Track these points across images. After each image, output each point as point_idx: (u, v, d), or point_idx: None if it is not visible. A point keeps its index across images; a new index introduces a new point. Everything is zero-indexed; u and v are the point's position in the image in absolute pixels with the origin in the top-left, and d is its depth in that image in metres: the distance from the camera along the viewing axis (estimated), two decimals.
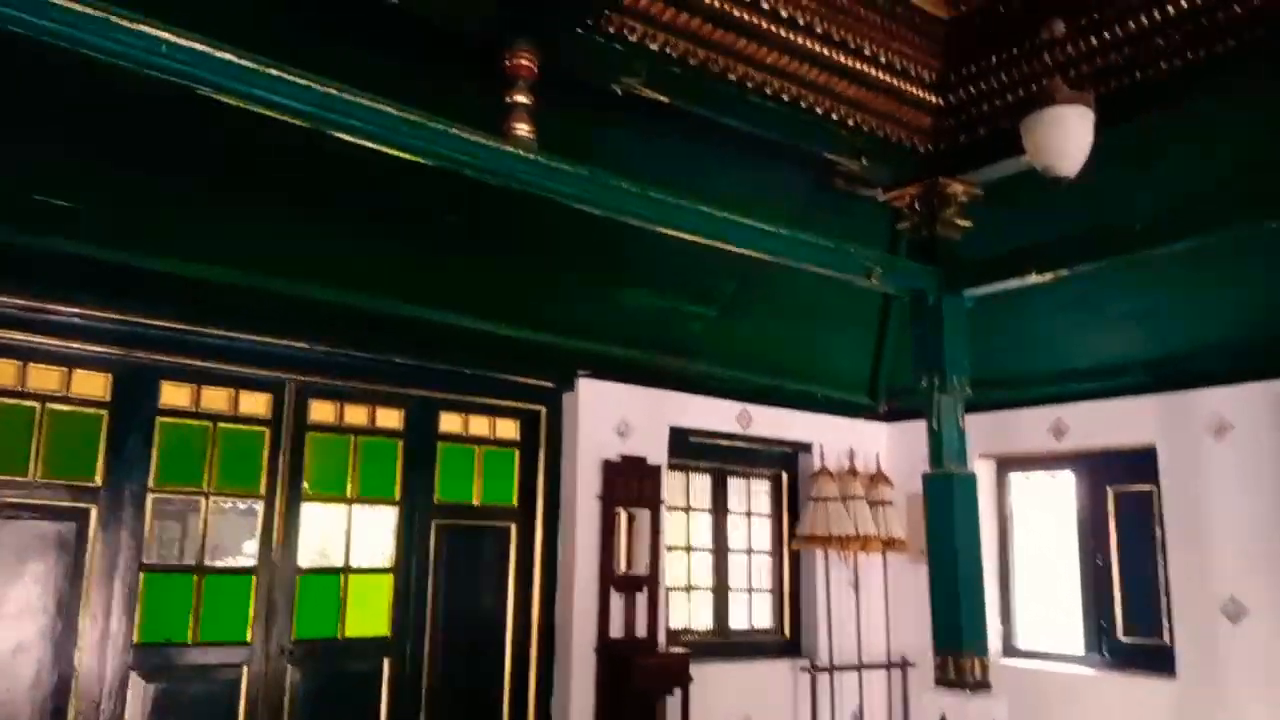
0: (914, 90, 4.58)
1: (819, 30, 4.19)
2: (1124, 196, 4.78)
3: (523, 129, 3.49)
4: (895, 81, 4.51)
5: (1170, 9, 3.87)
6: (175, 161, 3.92)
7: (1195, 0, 3.81)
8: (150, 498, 4.15)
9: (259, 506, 4.48)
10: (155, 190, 3.97)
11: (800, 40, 4.15)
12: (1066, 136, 3.42)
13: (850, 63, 4.33)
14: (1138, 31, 3.97)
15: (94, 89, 3.44)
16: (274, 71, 2.93)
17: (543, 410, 5.52)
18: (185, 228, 4.11)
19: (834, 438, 6.65)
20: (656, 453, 5.74)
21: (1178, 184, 4.80)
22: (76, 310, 3.96)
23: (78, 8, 2.60)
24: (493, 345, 5.12)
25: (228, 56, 2.84)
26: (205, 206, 4.11)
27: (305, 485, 4.62)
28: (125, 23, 2.65)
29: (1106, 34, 4.05)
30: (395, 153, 3.22)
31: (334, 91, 3.04)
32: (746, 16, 3.98)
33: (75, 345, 3.93)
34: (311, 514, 4.65)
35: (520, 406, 5.47)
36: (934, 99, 4.66)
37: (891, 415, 6.90)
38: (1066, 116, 3.40)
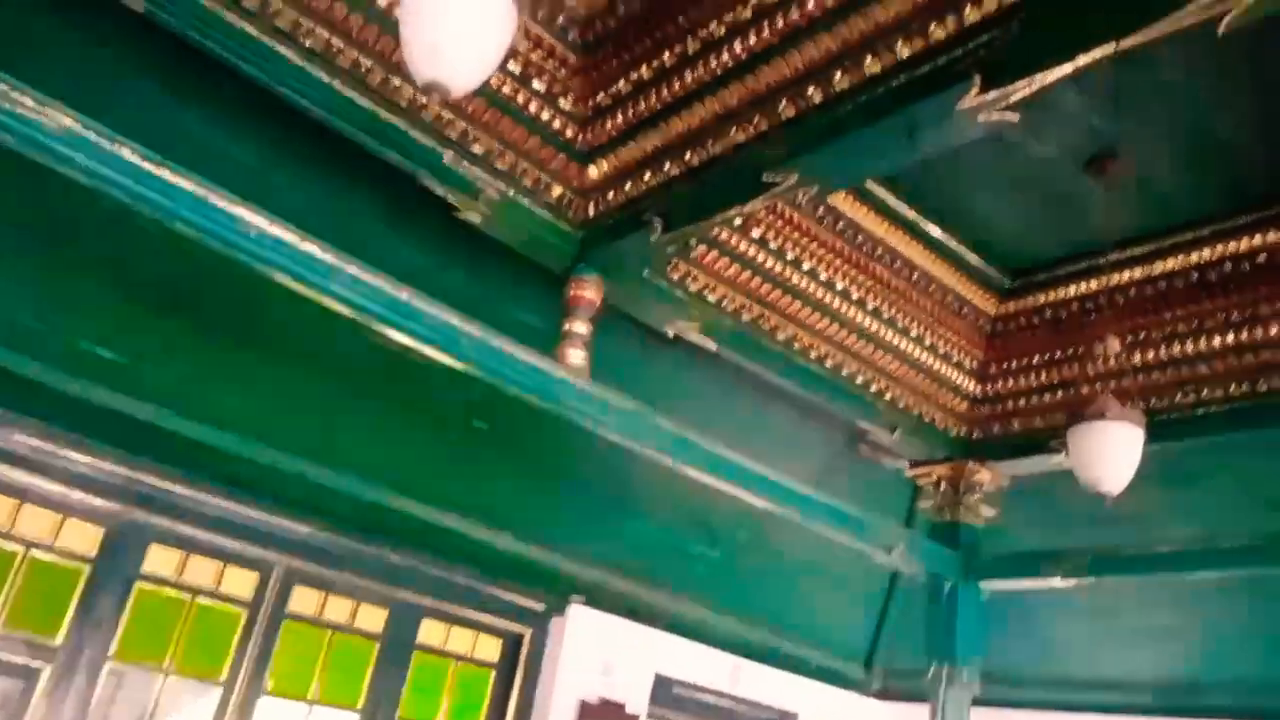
0: (953, 375, 4.64)
1: (870, 305, 4.30)
2: (1156, 514, 4.72)
3: (577, 357, 3.50)
4: (936, 364, 4.58)
5: (1218, 340, 3.98)
6: (212, 323, 3.90)
7: (1244, 337, 3.92)
8: (107, 666, 3.86)
9: (217, 694, 4.17)
10: (192, 349, 3.94)
11: (851, 312, 4.25)
12: (1114, 454, 3.40)
13: (896, 340, 4.41)
14: (1185, 356, 4.06)
15: (149, 247, 3.47)
16: (351, 268, 2.96)
17: (528, 633, 5.24)
18: (207, 390, 4.06)
19: (824, 710, 6.30)
20: (638, 700, 5.41)
21: (1211, 514, 4.75)
22: (85, 457, 3.84)
23: (181, 184, 2.65)
24: (490, 557, 4.93)
25: (311, 249, 2.87)
26: (228, 371, 4.07)
27: (270, 679, 4.32)
28: (223, 204, 2.69)
29: (1153, 353, 4.15)
30: (450, 362, 3.19)
31: (403, 296, 3.06)
32: (804, 283, 4.09)
33: (76, 493, 3.78)
34: (269, 710, 4.32)
35: (506, 626, 5.19)
36: (972, 386, 4.71)
37: (887, 694, 6.57)
38: (1115, 433, 3.39)
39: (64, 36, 2.87)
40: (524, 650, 5.21)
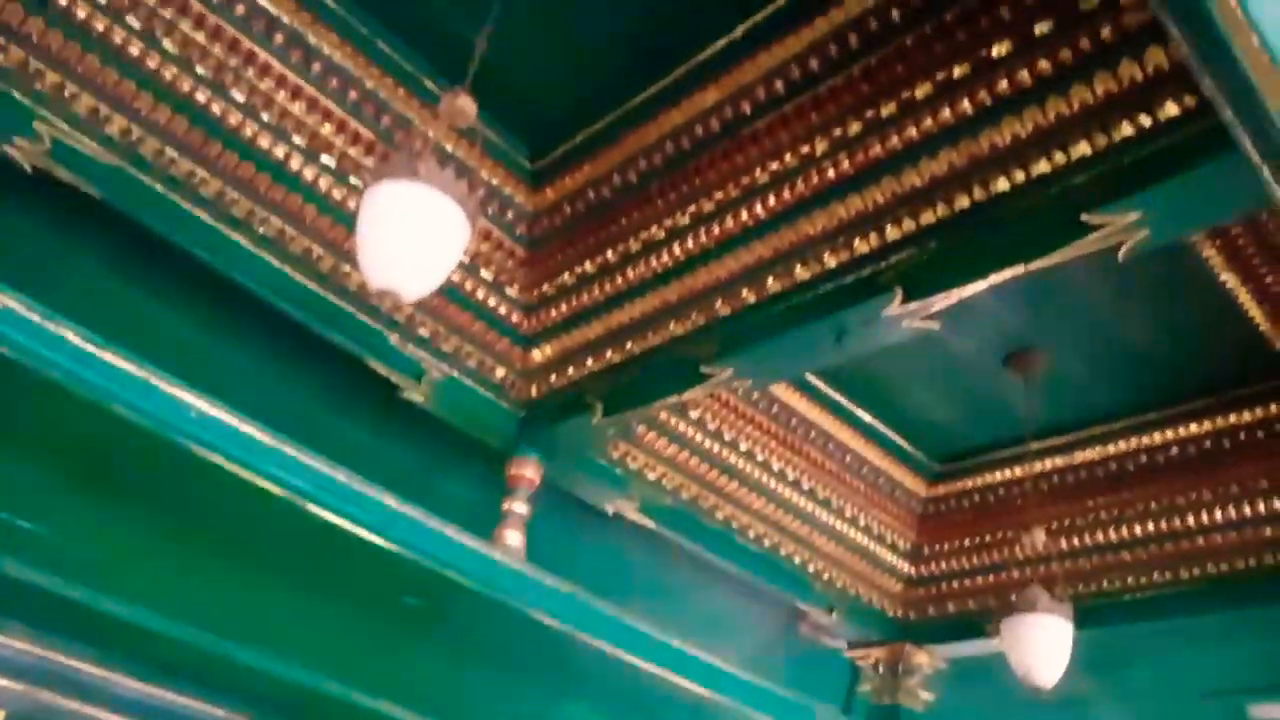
0: (888, 556, 4.69)
1: (806, 486, 4.38)
2: (1093, 700, 4.72)
3: (514, 539, 3.49)
4: (871, 545, 4.63)
5: (1139, 528, 4.10)
6: (136, 496, 3.82)
7: (1162, 526, 4.05)
8: None
9: None
10: (115, 523, 3.84)
11: (787, 493, 4.32)
12: (1045, 646, 3.44)
13: (831, 520, 4.48)
14: (1109, 543, 4.17)
15: (76, 417, 3.44)
16: (289, 450, 2.95)
17: None
18: (129, 565, 3.94)
19: None
20: None
21: (1145, 700, 4.77)
22: None
23: (123, 366, 2.66)
24: None
25: (250, 431, 2.86)
26: (152, 547, 3.96)
27: None
28: (164, 386, 2.70)
29: (1078, 539, 4.25)
30: (386, 544, 3.16)
31: (340, 478, 3.04)
32: (741, 464, 4.16)
33: None
34: None
35: None
36: (907, 567, 4.76)
37: None
38: (1046, 625, 3.44)
39: (8, 218, 2.92)
40: None
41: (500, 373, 3.62)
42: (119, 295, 3.10)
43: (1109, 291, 3.47)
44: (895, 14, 2.59)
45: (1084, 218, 2.37)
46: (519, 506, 3.55)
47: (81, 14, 2.74)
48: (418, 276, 2.11)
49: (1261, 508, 3.77)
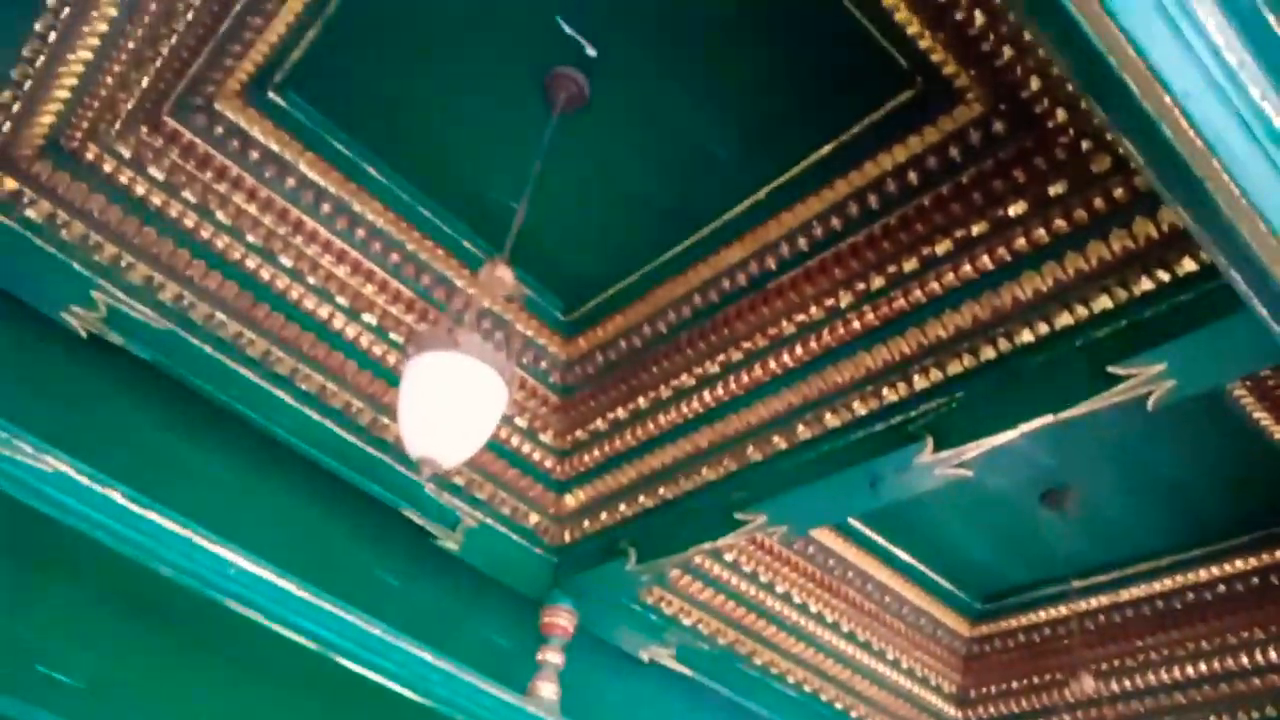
0: (933, 700, 4.56)
1: (845, 629, 4.30)
2: None
3: (548, 690, 3.44)
4: (915, 688, 4.51)
5: (1190, 669, 3.97)
6: (184, 655, 3.84)
7: (1215, 667, 3.92)
8: None
9: None
10: (158, 682, 3.85)
11: (827, 636, 4.24)
12: None
13: (873, 664, 4.37)
14: (1160, 684, 4.04)
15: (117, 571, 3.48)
16: (325, 605, 2.99)
17: None
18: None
19: None
20: None
21: None
22: None
23: (168, 527, 2.74)
24: None
25: (288, 587, 2.91)
26: (190, 698, 3.95)
27: None
28: (206, 545, 2.76)
29: (1128, 682, 4.12)
30: (419, 699, 3.14)
31: (375, 633, 3.06)
32: (779, 607, 4.11)
33: None
34: None
35: None
36: (953, 711, 4.62)
37: None
38: None
39: (61, 382, 3.04)
40: None
41: (533, 519, 3.64)
42: (165, 450, 3.19)
43: (1141, 430, 3.45)
44: (913, 177, 2.69)
45: (1110, 369, 2.39)
46: (553, 656, 3.52)
47: (140, 190, 2.92)
48: (457, 445, 2.17)
49: None
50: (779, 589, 4.12)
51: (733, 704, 4.19)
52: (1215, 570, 3.92)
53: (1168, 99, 1.41)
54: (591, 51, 2.69)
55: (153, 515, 2.79)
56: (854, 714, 4.36)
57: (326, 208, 3.15)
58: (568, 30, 2.66)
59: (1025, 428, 2.57)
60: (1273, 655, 3.78)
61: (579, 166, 3.02)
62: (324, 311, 3.23)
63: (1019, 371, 2.60)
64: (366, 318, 3.27)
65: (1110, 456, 3.59)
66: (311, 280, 3.21)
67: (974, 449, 2.65)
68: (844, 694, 4.33)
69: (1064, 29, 1.39)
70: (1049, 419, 2.53)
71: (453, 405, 2.13)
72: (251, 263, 3.12)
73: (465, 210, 3.29)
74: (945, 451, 2.69)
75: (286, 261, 3.17)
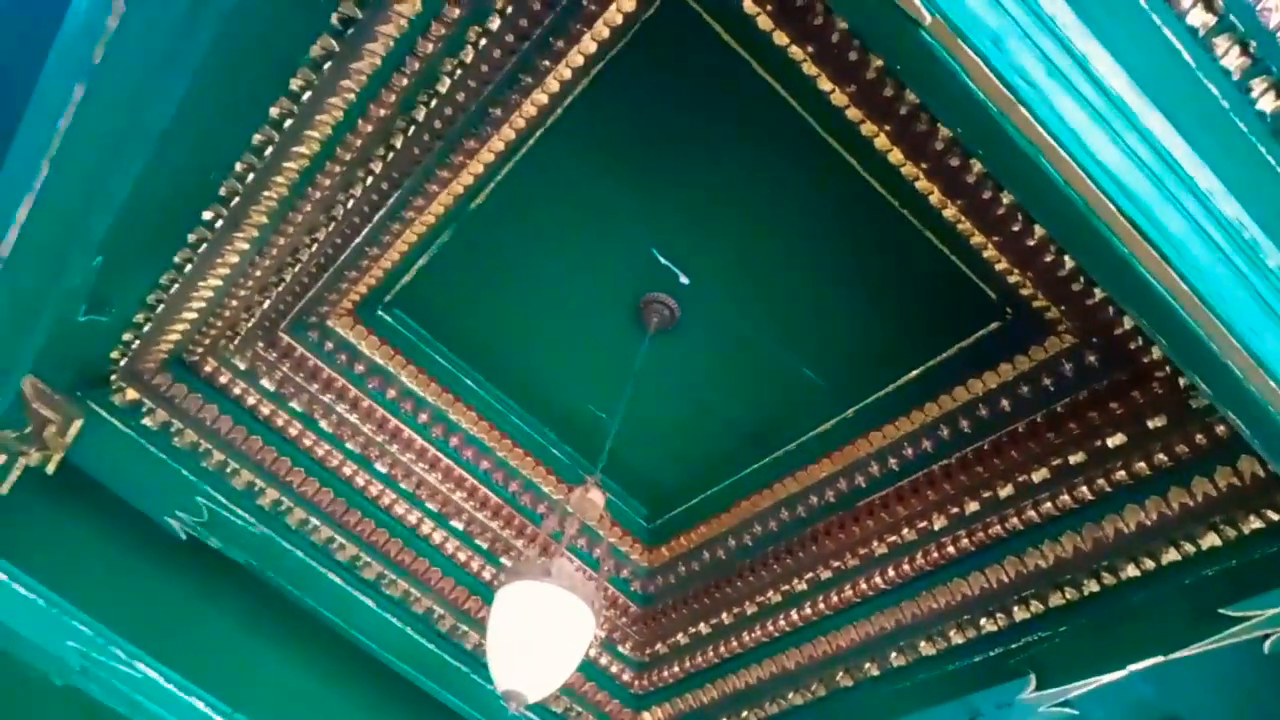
0: None
1: None
2: None
3: None
4: None
5: None
6: None
7: None
8: None
9: None
10: None
11: None
12: None
13: None
14: None
15: None
16: None
17: None
18: None
19: None
20: None
21: None
22: None
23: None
24: None
25: None
26: None
27: None
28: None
29: None
30: None
31: None
32: None
33: None
34: None
35: None
36: None
37: None
38: None
39: (157, 584, 3.11)
40: None
41: None
42: (250, 655, 3.21)
43: (1254, 666, 3.25)
44: (1005, 404, 2.68)
45: (1222, 610, 2.28)
46: None
47: (251, 400, 3.06)
48: (544, 678, 2.14)
49: None
50: None
51: None
52: None
53: (1273, 384, 1.41)
54: (684, 280, 2.80)
55: None
56: None
57: (424, 417, 3.26)
58: (662, 260, 2.78)
59: (1134, 667, 2.44)
60: None
61: (669, 384, 3.09)
62: (413, 518, 3.28)
63: (1124, 608, 2.49)
64: (454, 523, 3.31)
65: (1228, 693, 3.36)
66: (404, 486, 3.28)
67: (1080, 688, 2.52)
68: None
69: (1157, 316, 1.40)
70: (1159, 659, 2.40)
71: (542, 637, 2.11)
72: (348, 469, 3.21)
73: (557, 422, 3.37)
74: (1049, 689, 2.56)
75: (381, 468, 3.25)
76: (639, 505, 3.58)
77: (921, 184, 2.43)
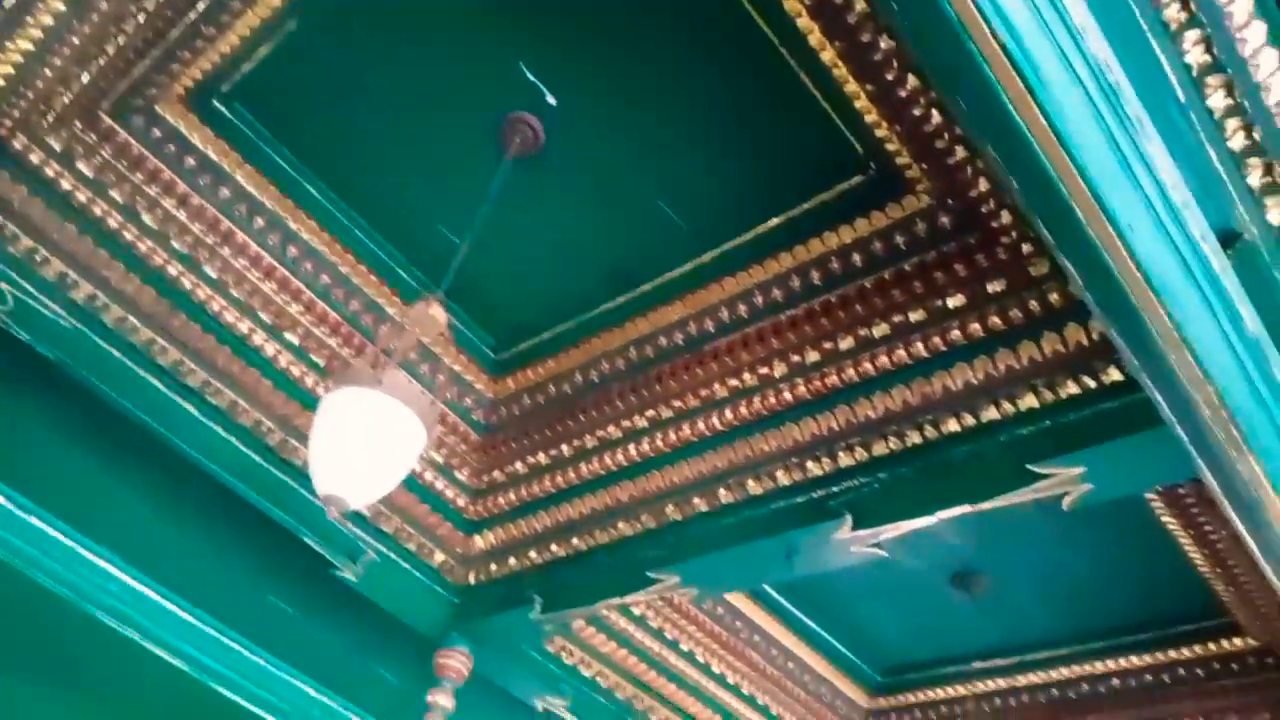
0: None
1: (746, 691, 4.27)
2: None
3: None
4: None
5: None
6: (52, 673, 3.62)
7: None
8: None
9: None
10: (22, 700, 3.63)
11: (726, 698, 4.21)
12: None
13: None
14: None
15: None
16: (205, 628, 2.88)
17: None
18: None
19: None
20: None
21: None
22: None
23: (48, 532, 2.60)
24: None
25: (172, 607, 2.79)
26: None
27: None
28: (86, 554, 2.64)
29: None
30: None
31: (258, 661, 2.96)
32: (681, 666, 4.07)
33: None
34: None
35: None
36: None
37: None
38: None
39: None
40: None
41: (439, 557, 3.55)
42: (56, 453, 3.03)
43: (1055, 524, 3.51)
44: (857, 259, 2.71)
45: (1030, 467, 2.42)
46: (444, 700, 3.42)
47: (66, 185, 2.79)
48: (366, 486, 2.09)
49: None
50: (683, 647, 4.07)
51: None
52: (1111, 664, 4.00)
53: (1112, 230, 1.43)
54: (551, 100, 2.66)
55: (34, 519, 2.66)
56: None
57: (260, 222, 3.05)
58: (530, 76, 2.62)
59: (943, 515, 2.58)
60: None
61: (527, 212, 2.98)
62: (244, 326, 3.12)
63: (943, 460, 2.62)
64: (288, 336, 3.17)
65: (1023, 547, 3.65)
66: (235, 293, 3.10)
67: (891, 530, 2.66)
68: None
69: (1013, 151, 1.40)
70: (967, 508, 2.55)
71: (368, 445, 2.05)
72: (173, 270, 3.00)
73: (405, 241, 3.22)
74: (863, 530, 2.69)
75: (211, 272, 3.06)
76: (487, 335, 3.50)
77: (803, 21, 2.35)
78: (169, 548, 3.26)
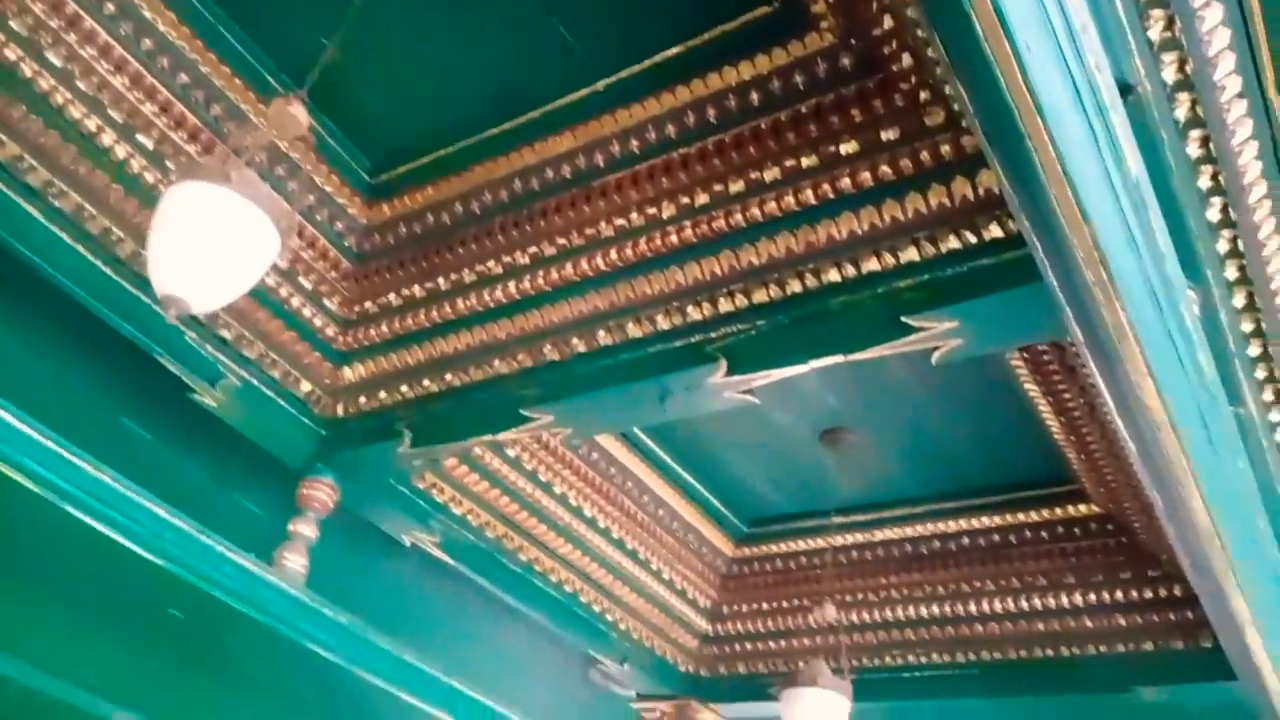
0: (688, 612, 4.71)
1: (615, 535, 4.34)
2: None
3: (295, 563, 3.29)
4: (673, 600, 4.64)
5: (925, 610, 4.26)
6: None
7: (948, 610, 4.22)
8: None
9: None
10: None
11: (596, 541, 4.27)
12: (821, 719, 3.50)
13: (636, 573, 4.45)
14: (896, 620, 4.32)
15: None
16: (49, 444, 2.70)
17: None
18: None
19: None
20: None
21: None
22: None
23: None
24: None
25: (16, 424, 2.60)
26: None
27: None
28: None
29: (868, 614, 4.38)
30: (153, 558, 2.92)
31: (106, 480, 2.81)
32: (553, 507, 4.09)
33: None
34: None
35: None
36: (704, 625, 4.79)
37: None
38: (823, 701, 3.50)
39: None
40: None
41: (305, 387, 3.42)
42: None
43: (923, 386, 3.61)
44: (754, 97, 2.61)
45: (904, 319, 2.43)
46: (306, 529, 3.36)
47: None
48: (210, 288, 1.94)
49: (1038, 603, 3.99)
50: (556, 489, 4.09)
51: (493, 597, 4.17)
52: (963, 524, 4.20)
53: (1008, 47, 1.38)
54: None
55: None
56: (610, 617, 4.44)
57: (110, 8, 2.75)
58: None
59: (816, 364, 2.59)
60: (998, 606, 4.10)
61: (410, 19, 2.75)
62: (92, 124, 2.84)
63: (820, 309, 2.60)
64: (141, 139, 2.91)
65: (890, 407, 3.74)
66: (82, 86, 2.81)
67: (764, 377, 2.66)
68: (604, 598, 4.39)
69: None
70: (839, 358, 2.55)
71: (212, 245, 1.89)
72: (11, 54, 2.69)
73: (271, 42, 2.96)
74: (736, 376, 2.68)
75: (55, 60, 2.76)
76: (362, 156, 3.31)
77: None
78: (10, 361, 3.05)
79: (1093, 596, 3.91)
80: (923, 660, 4.28)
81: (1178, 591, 3.78)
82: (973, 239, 2.37)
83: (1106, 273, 1.63)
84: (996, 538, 4.16)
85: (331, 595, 3.38)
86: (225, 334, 3.24)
